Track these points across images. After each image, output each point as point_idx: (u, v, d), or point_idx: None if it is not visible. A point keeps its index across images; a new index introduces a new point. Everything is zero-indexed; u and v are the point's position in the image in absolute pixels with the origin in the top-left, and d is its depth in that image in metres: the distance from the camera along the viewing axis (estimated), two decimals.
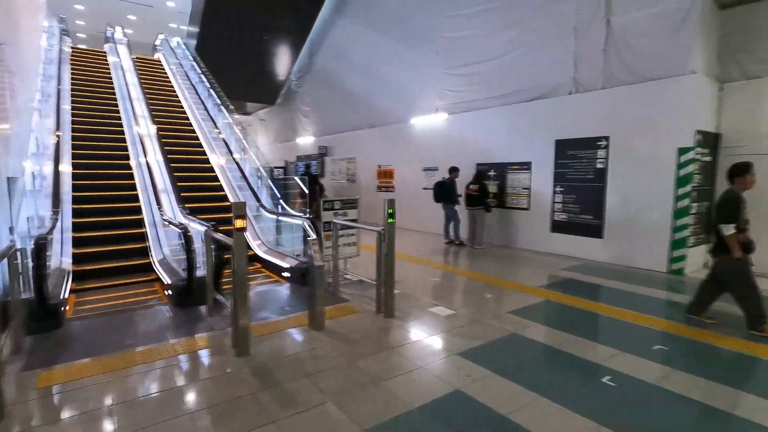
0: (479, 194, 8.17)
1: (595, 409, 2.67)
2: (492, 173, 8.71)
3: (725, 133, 6.38)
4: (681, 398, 2.84)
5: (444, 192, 8.66)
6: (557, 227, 7.65)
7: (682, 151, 5.98)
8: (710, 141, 6.31)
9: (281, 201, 7.99)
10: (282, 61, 15.78)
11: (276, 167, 13.98)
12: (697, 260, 6.45)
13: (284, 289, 5.52)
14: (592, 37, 6.91)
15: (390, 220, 4.19)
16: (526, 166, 8.13)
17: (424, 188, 10.36)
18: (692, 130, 5.90)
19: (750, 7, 6.02)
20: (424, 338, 3.82)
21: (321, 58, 14.68)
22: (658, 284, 5.74)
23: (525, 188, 8.18)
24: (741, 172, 3.88)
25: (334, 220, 5.36)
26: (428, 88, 10.20)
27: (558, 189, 7.58)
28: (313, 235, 5.47)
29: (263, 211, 7.42)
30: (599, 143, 6.93)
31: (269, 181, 8.46)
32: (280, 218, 7.10)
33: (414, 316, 4.38)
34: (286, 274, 5.93)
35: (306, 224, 5.93)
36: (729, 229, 3.77)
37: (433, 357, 3.42)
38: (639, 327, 4.18)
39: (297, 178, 9.76)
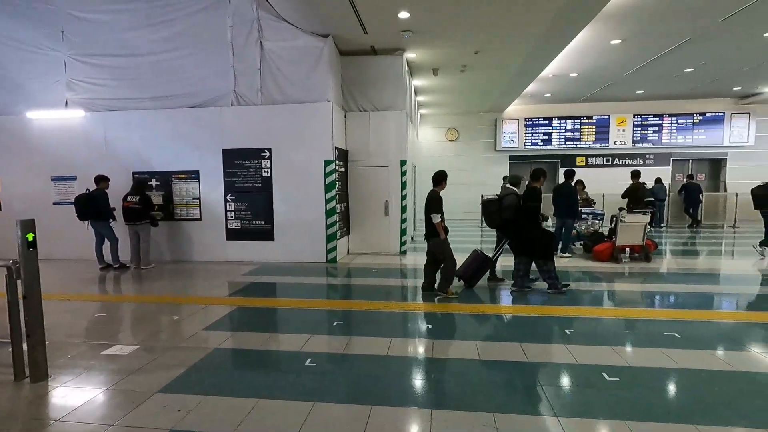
0: (141, 207, 7.15)
1: (308, 390, 2.99)
2: (154, 183, 7.82)
3: (351, 150, 8.42)
4: (362, 357, 3.60)
5: (91, 206, 7.02)
6: (232, 235, 7.79)
7: (327, 162, 7.44)
8: (343, 156, 8.17)
9: None
10: None
11: None
12: (343, 249, 8.23)
13: None
14: (249, 55, 7.43)
15: (30, 249, 3.05)
16: (194, 174, 7.79)
17: (57, 203, 8.02)
18: (332, 146, 7.44)
19: (357, 58, 8.19)
20: (104, 390, 3.04)
21: None
22: (320, 273, 6.93)
23: (195, 198, 7.83)
24: (441, 179, 5.49)
25: None
26: (52, 74, 7.92)
27: (230, 197, 7.72)
28: None
29: None
30: (263, 154, 7.57)
31: None
32: None
33: (82, 368, 3.38)
34: None
35: None
36: (437, 218, 5.21)
37: (127, 407, 2.78)
38: (317, 311, 4.93)
39: None
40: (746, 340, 3.88)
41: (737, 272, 6.91)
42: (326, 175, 7.44)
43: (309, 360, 3.51)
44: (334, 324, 4.49)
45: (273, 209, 7.63)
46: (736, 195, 12.41)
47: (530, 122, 14.76)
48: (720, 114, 13.92)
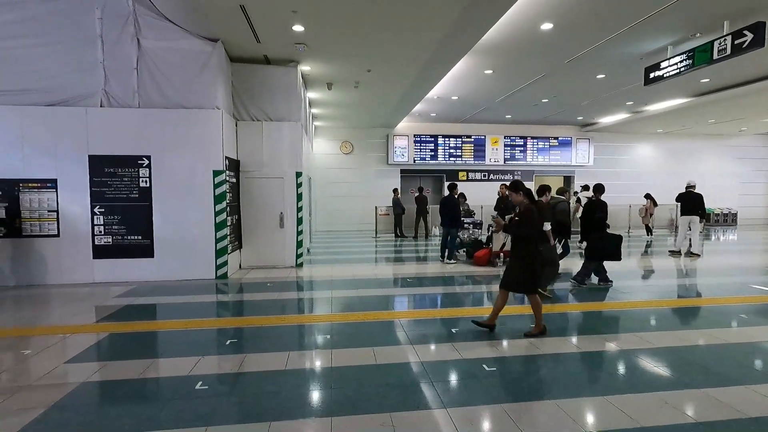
0: None
1: (199, 415, 2.79)
2: None
3: (242, 160, 8.07)
4: (259, 374, 3.48)
5: None
6: (102, 252, 6.84)
7: (216, 173, 7.03)
8: (234, 166, 7.80)
9: None
10: None
11: None
12: (235, 264, 7.81)
13: None
14: (123, 52, 6.71)
15: None
16: (50, 183, 6.69)
17: None
18: (222, 156, 7.06)
19: (249, 66, 7.94)
20: None
21: None
22: (210, 290, 6.48)
23: (51, 211, 6.72)
24: (544, 191, 6.22)
25: None
26: None
27: (98, 210, 6.79)
28: None
29: None
30: (141, 162, 6.85)
31: None
32: None
33: None
34: None
35: None
36: (548, 226, 5.65)
37: None
38: (207, 330, 4.62)
39: None
40: (597, 327, 4.71)
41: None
42: (216, 186, 7.03)
43: (200, 383, 3.28)
44: (227, 343, 4.24)
45: (153, 222, 6.92)
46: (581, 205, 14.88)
47: (419, 138, 15.83)
48: (569, 138, 16.62)
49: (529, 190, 4.32)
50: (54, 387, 3.24)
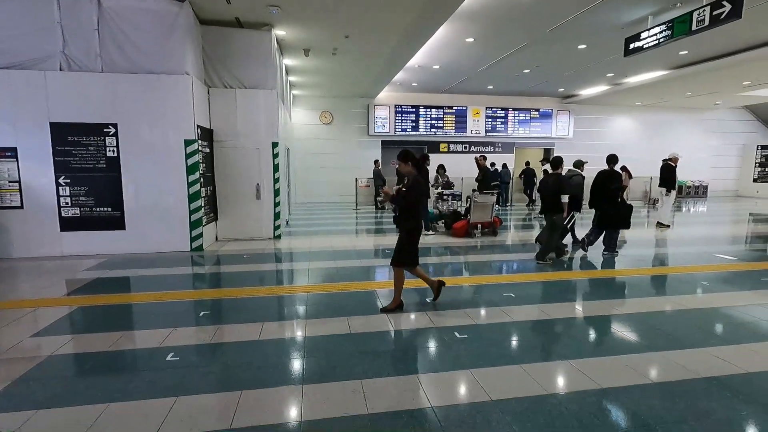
0: None
1: (169, 386, 2.78)
2: None
3: (216, 129, 7.80)
4: (232, 345, 3.47)
5: None
6: (69, 225, 6.62)
7: (188, 142, 6.79)
8: (207, 135, 7.54)
9: None
10: None
11: None
12: (210, 236, 7.68)
13: None
14: (82, 12, 6.26)
15: None
16: (9, 152, 6.35)
17: None
18: (193, 124, 6.80)
19: (220, 29, 7.54)
20: None
21: None
22: (184, 262, 6.38)
23: (12, 181, 6.41)
24: (559, 163, 6.18)
25: None
26: None
27: (63, 180, 6.51)
28: None
29: None
30: (107, 130, 6.54)
31: None
32: None
33: None
34: None
35: None
36: (566, 198, 6.00)
37: None
38: (180, 302, 4.56)
39: None
40: (567, 295, 4.85)
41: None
42: (188, 156, 6.79)
43: (171, 355, 3.26)
44: (201, 314, 4.21)
45: (122, 194, 6.69)
46: None
47: (400, 109, 15.58)
48: (549, 110, 16.62)
49: (418, 160, 4.17)
50: (20, 360, 3.17)
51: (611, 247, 6.92)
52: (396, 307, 4.21)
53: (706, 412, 2.48)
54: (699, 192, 17.73)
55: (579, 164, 7.37)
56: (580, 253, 6.90)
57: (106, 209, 6.69)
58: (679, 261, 6.75)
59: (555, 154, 16.86)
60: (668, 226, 9.62)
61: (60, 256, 6.57)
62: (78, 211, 6.62)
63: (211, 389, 2.76)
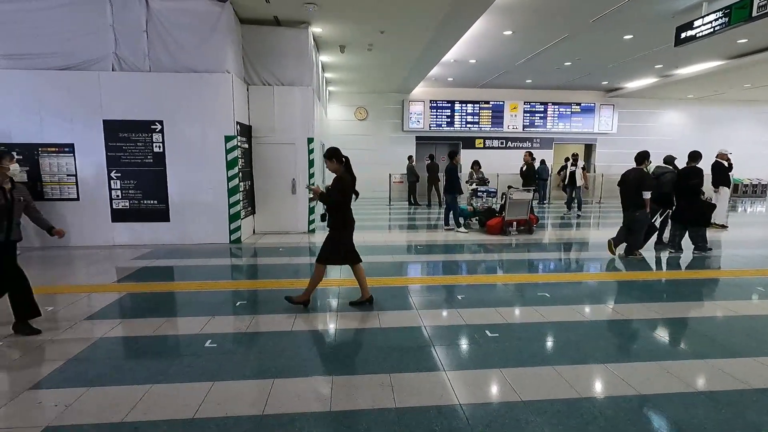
0: None
1: (207, 371, 2.92)
2: (15, 157, 6.67)
3: (254, 125, 8.03)
4: (266, 334, 3.59)
5: None
6: (119, 216, 7.04)
7: (228, 138, 7.03)
8: (246, 131, 7.78)
9: None
10: None
11: None
12: (248, 229, 7.94)
13: None
14: (132, 14, 6.61)
15: None
16: (67, 148, 6.82)
17: None
18: (233, 121, 7.04)
19: (259, 28, 7.75)
20: None
21: None
22: (223, 254, 6.63)
23: (70, 175, 6.89)
24: (644, 158, 6.09)
25: None
26: None
27: (115, 175, 6.93)
28: None
29: None
30: (154, 127, 6.89)
31: None
32: None
33: None
34: None
35: None
36: (647, 195, 5.88)
37: None
38: (219, 292, 4.76)
39: None
40: (604, 297, 4.66)
41: (601, 241, 8.14)
42: (227, 151, 7.05)
43: (209, 341, 3.41)
44: (237, 304, 4.37)
45: (167, 187, 7.04)
46: (602, 175, 14.48)
47: (435, 104, 15.44)
48: (592, 105, 15.95)
49: (346, 158, 4.11)
50: (73, 341, 3.41)
51: (700, 247, 6.68)
52: (303, 302, 4.14)
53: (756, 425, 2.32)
54: (757, 191, 16.48)
55: (670, 160, 7.17)
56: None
57: (152, 202, 7.06)
58: (731, 264, 6.32)
59: (597, 150, 16.30)
60: (724, 226, 9.00)
61: (111, 245, 7.00)
62: (127, 204, 7.03)
63: (246, 376, 2.87)
